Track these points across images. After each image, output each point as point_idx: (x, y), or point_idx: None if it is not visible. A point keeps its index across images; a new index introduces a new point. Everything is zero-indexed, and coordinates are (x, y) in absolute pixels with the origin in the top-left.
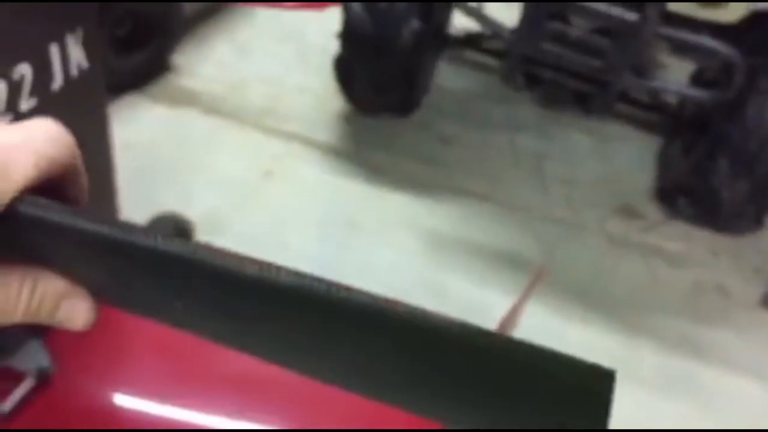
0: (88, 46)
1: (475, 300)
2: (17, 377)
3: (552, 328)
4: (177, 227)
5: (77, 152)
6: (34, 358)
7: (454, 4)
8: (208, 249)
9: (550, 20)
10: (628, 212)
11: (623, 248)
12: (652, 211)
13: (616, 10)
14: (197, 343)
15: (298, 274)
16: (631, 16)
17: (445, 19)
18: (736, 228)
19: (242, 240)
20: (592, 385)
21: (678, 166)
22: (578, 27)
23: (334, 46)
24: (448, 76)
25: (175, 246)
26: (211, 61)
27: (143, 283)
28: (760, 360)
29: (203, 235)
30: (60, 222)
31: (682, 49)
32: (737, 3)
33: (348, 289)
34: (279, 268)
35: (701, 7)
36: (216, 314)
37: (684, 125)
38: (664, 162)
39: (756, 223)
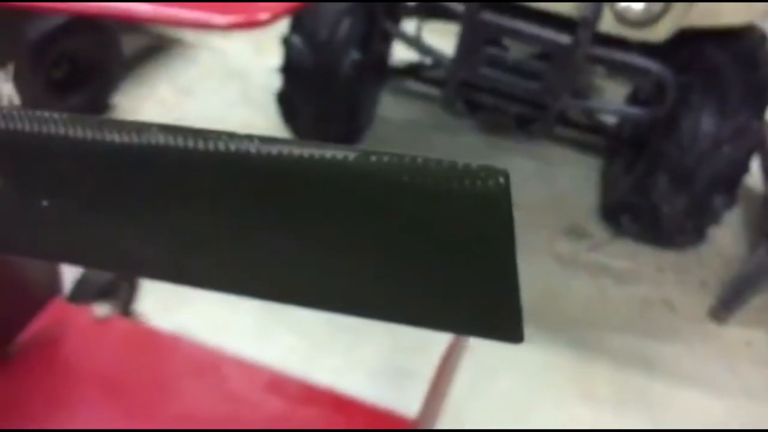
0: (20, 82)
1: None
2: None
3: (505, 350)
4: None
5: None
6: None
7: (393, 34)
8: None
9: (486, 45)
10: (575, 232)
11: (572, 268)
12: (598, 230)
13: (549, 33)
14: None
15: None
16: (563, 38)
17: (385, 49)
18: (678, 243)
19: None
20: (490, 186)
21: (620, 185)
22: (515, 51)
23: (277, 83)
24: (391, 107)
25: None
26: (152, 100)
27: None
28: (710, 372)
29: None
30: None
31: (615, 69)
32: (664, 22)
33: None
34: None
35: (630, 27)
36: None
37: (623, 145)
38: (606, 181)
39: (698, 237)
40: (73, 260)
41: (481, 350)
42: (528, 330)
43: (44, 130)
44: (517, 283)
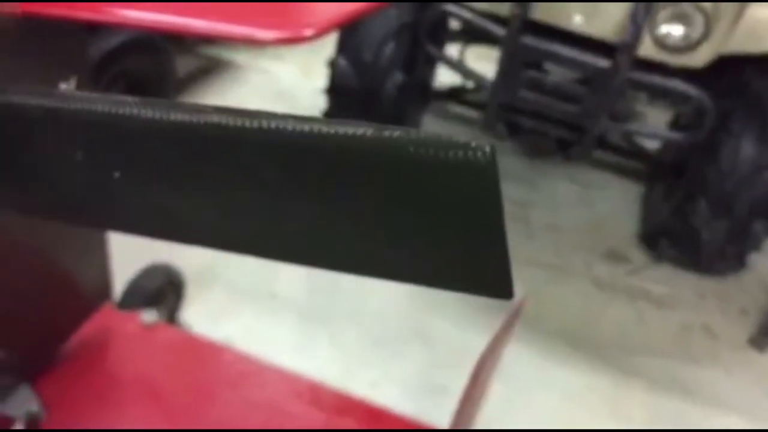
0: None
1: (460, 343)
2: (7, 422)
3: (542, 371)
4: (169, 278)
5: None
6: (24, 403)
7: (436, 57)
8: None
9: (526, 69)
10: (614, 256)
11: (610, 292)
12: (637, 254)
13: (589, 58)
14: (185, 391)
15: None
16: (602, 63)
17: (429, 72)
18: (718, 269)
19: (233, 291)
20: (479, 157)
21: (660, 210)
22: (555, 75)
23: (323, 104)
24: (433, 128)
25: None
26: None
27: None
28: (749, 399)
29: (194, 286)
30: None
31: (655, 94)
32: (703, 48)
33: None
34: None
35: (670, 53)
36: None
37: (663, 170)
38: (646, 206)
39: (738, 264)
40: (135, 229)
41: (517, 369)
42: (565, 351)
43: (119, 110)
44: (506, 245)
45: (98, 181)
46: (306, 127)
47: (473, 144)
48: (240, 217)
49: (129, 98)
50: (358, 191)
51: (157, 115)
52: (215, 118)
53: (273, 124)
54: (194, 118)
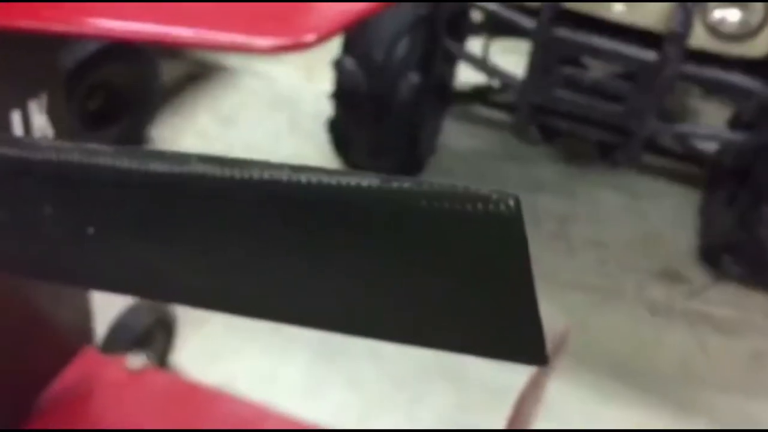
0: (53, 113)
1: (494, 383)
2: None
3: (589, 409)
4: (157, 316)
5: None
6: None
7: (457, 54)
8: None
9: (561, 65)
10: (670, 276)
11: (666, 317)
12: (697, 273)
13: (633, 50)
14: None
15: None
16: (649, 55)
17: (448, 71)
18: None
19: (233, 327)
20: (502, 210)
21: (720, 221)
22: (594, 70)
23: (328, 110)
24: (456, 135)
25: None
26: (192, 132)
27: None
28: None
29: (188, 323)
30: None
31: (711, 89)
32: (765, 35)
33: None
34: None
35: (726, 42)
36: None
37: (724, 175)
38: (705, 217)
39: None
40: (113, 287)
41: (564, 407)
42: (617, 386)
43: (92, 161)
44: (536, 305)
45: (70, 238)
46: (303, 179)
47: (494, 196)
48: (230, 276)
49: (102, 147)
50: (365, 249)
51: (134, 165)
52: (200, 169)
53: (266, 175)
54: (176, 169)
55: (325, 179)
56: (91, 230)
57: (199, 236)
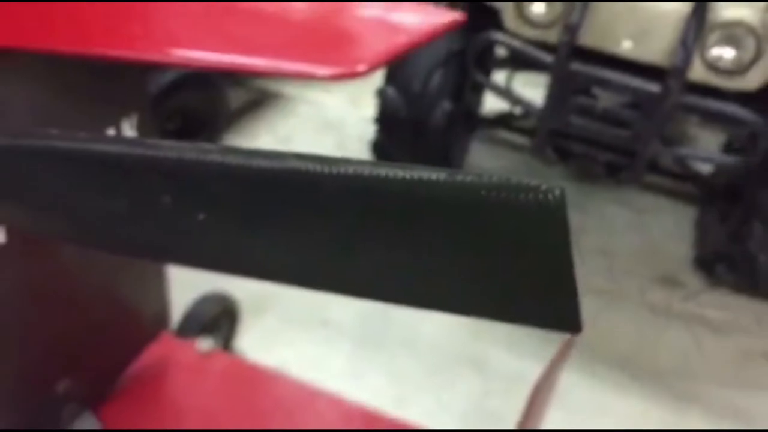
0: (143, 131)
1: (515, 371)
2: None
3: (598, 398)
4: (224, 306)
5: None
6: (87, 428)
7: (484, 85)
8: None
9: (575, 95)
10: (669, 281)
11: (666, 317)
12: (693, 279)
13: (639, 82)
14: (240, 418)
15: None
16: (653, 87)
17: (477, 99)
18: None
19: (286, 319)
20: (549, 199)
21: (714, 234)
22: (604, 100)
23: (372, 133)
24: (482, 155)
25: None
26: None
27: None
28: None
29: (248, 314)
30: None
31: (708, 118)
32: (756, 71)
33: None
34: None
35: (721, 76)
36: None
37: (717, 193)
38: (700, 230)
39: None
40: (217, 267)
41: (574, 396)
42: (621, 378)
43: (206, 158)
44: (575, 280)
45: (183, 222)
46: (382, 172)
47: (543, 187)
48: (315, 256)
49: (213, 146)
50: (431, 233)
51: (240, 161)
52: (296, 164)
53: (350, 170)
54: (276, 165)
55: (400, 173)
56: (201, 216)
57: (292, 221)
